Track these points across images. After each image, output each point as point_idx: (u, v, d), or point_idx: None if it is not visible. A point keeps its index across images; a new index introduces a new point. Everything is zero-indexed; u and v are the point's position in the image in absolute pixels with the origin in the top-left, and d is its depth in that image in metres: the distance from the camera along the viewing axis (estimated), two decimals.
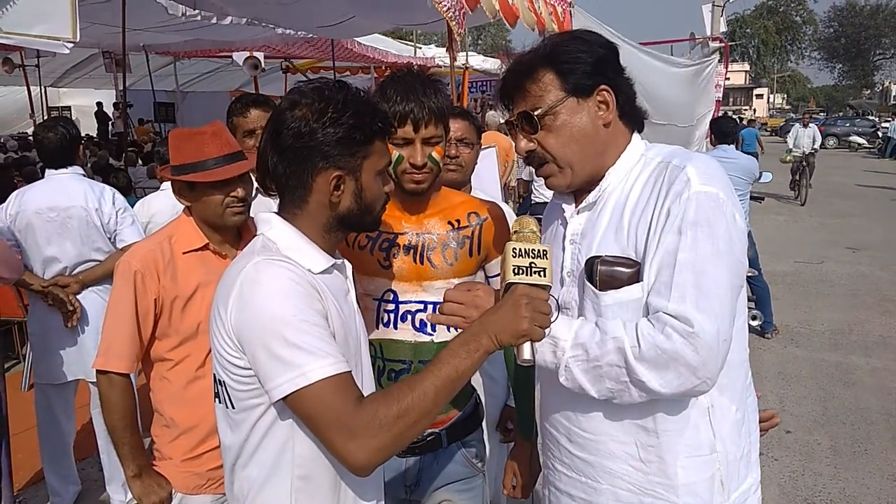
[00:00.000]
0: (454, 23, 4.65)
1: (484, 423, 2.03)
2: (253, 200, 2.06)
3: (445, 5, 4.54)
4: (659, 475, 1.41)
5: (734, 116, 9.56)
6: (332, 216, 1.39)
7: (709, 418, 1.40)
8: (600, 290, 1.38)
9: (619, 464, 1.44)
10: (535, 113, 1.42)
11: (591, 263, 1.40)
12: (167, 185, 3.87)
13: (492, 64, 14.31)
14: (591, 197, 1.47)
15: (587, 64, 1.41)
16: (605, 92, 1.42)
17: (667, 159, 1.41)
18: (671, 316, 1.27)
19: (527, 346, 1.27)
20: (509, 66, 1.50)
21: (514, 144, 1.55)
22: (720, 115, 6.85)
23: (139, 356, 2.00)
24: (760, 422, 1.62)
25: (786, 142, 15.33)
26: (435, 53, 14.35)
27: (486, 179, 3.51)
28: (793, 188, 14.40)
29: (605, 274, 1.38)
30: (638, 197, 1.40)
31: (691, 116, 8.70)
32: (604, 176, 1.46)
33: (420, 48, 15.09)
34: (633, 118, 1.49)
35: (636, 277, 1.36)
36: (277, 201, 1.45)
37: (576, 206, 1.51)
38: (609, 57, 1.45)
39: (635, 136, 1.50)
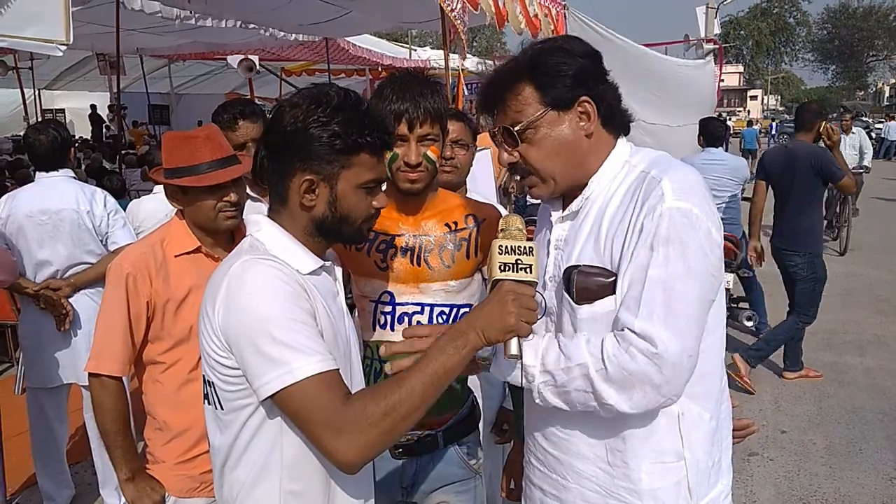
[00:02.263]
0: (458, 21, 4.67)
1: (480, 425, 2.03)
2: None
3: (450, 5, 4.56)
4: (623, 479, 1.42)
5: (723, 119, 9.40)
6: (308, 220, 1.38)
7: (678, 426, 1.41)
8: (577, 302, 1.40)
9: (587, 465, 1.45)
10: (516, 128, 1.41)
11: (568, 273, 1.41)
12: (159, 188, 3.86)
13: (487, 66, 14.31)
14: (574, 205, 1.47)
15: (567, 77, 1.39)
16: (585, 103, 1.41)
17: (647, 169, 1.40)
18: (636, 335, 1.28)
19: (514, 342, 1.28)
20: (489, 78, 1.48)
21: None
22: (711, 117, 6.89)
23: (131, 359, 1.98)
24: (736, 430, 1.62)
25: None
26: (430, 55, 14.35)
27: (482, 181, 3.51)
28: (830, 227, 9.96)
29: (580, 284, 1.39)
30: (617, 207, 1.40)
31: (700, 115, 8.75)
32: (587, 183, 1.46)
33: (415, 50, 15.09)
34: (618, 124, 1.48)
35: (612, 289, 1.36)
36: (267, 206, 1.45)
37: (561, 212, 1.51)
38: (590, 66, 1.43)
39: (620, 140, 1.49)
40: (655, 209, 1.32)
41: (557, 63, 1.40)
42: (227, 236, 2.06)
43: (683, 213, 1.31)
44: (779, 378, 5.15)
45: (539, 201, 1.66)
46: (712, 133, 5.73)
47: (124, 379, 2.00)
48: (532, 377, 1.37)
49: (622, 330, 1.31)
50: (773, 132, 30.94)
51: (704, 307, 1.34)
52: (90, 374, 1.97)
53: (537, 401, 1.39)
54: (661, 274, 1.29)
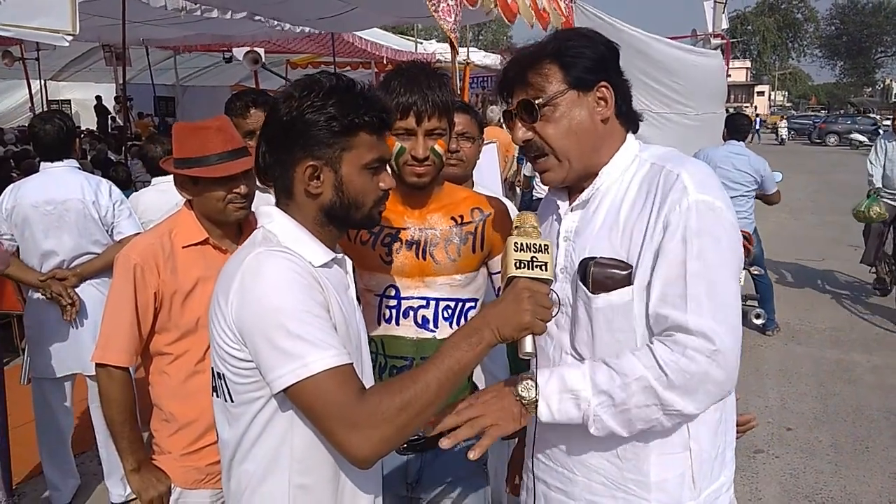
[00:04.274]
0: (443, 21, 4.63)
1: None
2: None
3: (434, 4, 4.52)
4: (633, 472, 1.43)
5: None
6: (317, 208, 1.37)
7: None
8: (593, 292, 1.40)
9: (596, 458, 1.46)
10: (536, 102, 1.42)
11: (585, 265, 1.42)
12: (157, 180, 3.87)
13: (493, 59, 14.27)
14: (584, 195, 1.48)
15: (590, 59, 1.42)
16: (604, 88, 1.44)
17: (660, 162, 1.42)
18: (691, 334, 1.29)
19: (528, 340, 1.28)
20: (512, 57, 1.50)
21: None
22: (738, 112, 6.81)
23: (138, 350, 1.98)
24: (738, 425, 1.63)
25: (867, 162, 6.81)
26: (436, 48, 14.30)
27: (487, 174, 3.49)
28: (877, 274, 7.01)
29: (598, 276, 1.39)
30: (633, 199, 1.41)
31: (711, 104, 8.72)
32: (597, 174, 1.47)
33: (421, 43, 15.05)
34: (629, 119, 1.51)
35: (628, 280, 1.37)
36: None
37: (570, 204, 1.51)
38: (610, 56, 1.47)
39: (630, 136, 1.51)
40: (681, 202, 1.33)
41: (581, 46, 1.43)
42: (235, 228, 2.06)
43: (709, 205, 1.33)
44: (784, 376, 5.14)
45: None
46: (737, 127, 5.79)
47: (130, 369, 2.00)
48: (587, 402, 1.33)
49: (668, 331, 1.32)
50: (758, 127, 32.19)
51: (739, 296, 1.36)
52: (97, 365, 1.97)
53: (592, 430, 1.34)
54: (699, 267, 1.30)
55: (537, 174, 1.55)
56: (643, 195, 1.40)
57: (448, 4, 4.59)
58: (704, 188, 1.35)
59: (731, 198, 5.60)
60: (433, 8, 4.58)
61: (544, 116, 1.43)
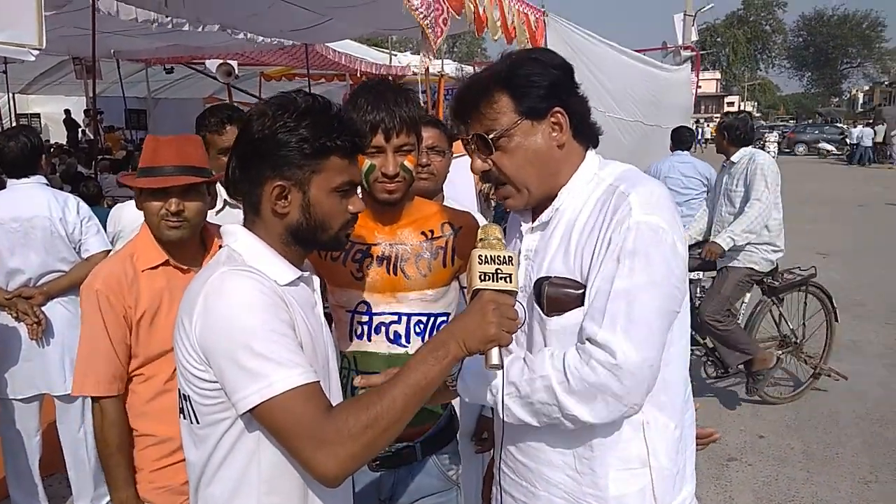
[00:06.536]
0: (430, 30, 4.64)
1: (458, 435, 2.01)
2: (220, 213, 2.02)
3: (421, 12, 4.52)
4: (591, 486, 1.44)
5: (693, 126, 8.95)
6: (283, 228, 1.37)
7: (643, 434, 1.43)
8: (547, 313, 1.42)
9: (556, 473, 1.47)
10: (490, 136, 1.42)
11: (539, 285, 1.43)
12: None
13: (468, 72, 14.33)
14: (544, 216, 1.49)
15: (541, 87, 1.42)
16: (558, 114, 1.43)
17: (615, 183, 1.43)
18: (598, 346, 1.30)
19: (495, 352, 1.28)
20: (464, 85, 1.50)
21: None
22: (680, 126, 7.20)
23: (122, 376, 1.94)
24: (698, 438, 1.65)
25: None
26: (410, 61, 14.34)
27: (461, 188, 3.50)
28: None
29: (551, 296, 1.41)
30: (586, 220, 1.42)
31: (678, 118, 8.90)
32: (557, 195, 1.47)
33: (395, 55, 15.08)
34: (588, 136, 1.51)
35: (581, 300, 1.39)
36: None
37: (531, 223, 1.52)
38: (563, 78, 1.46)
39: (590, 153, 1.51)
40: (623, 223, 1.34)
41: (532, 74, 1.42)
42: (196, 247, 2.02)
43: (650, 226, 1.34)
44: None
45: None
46: (681, 139, 6.42)
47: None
48: (496, 389, 1.39)
49: (584, 341, 1.34)
50: (700, 139, 27.57)
51: (666, 319, 1.36)
52: (92, 400, 1.94)
53: (503, 416, 1.40)
54: (625, 285, 1.32)
55: None
56: (595, 215, 1.41)
57: (442, 16, 4.60)
58: (650, 209, 1.35)
59: (685, 201, 5.69)
60: (419, 16, 4.55)
61: (500, 148, 1.43)
